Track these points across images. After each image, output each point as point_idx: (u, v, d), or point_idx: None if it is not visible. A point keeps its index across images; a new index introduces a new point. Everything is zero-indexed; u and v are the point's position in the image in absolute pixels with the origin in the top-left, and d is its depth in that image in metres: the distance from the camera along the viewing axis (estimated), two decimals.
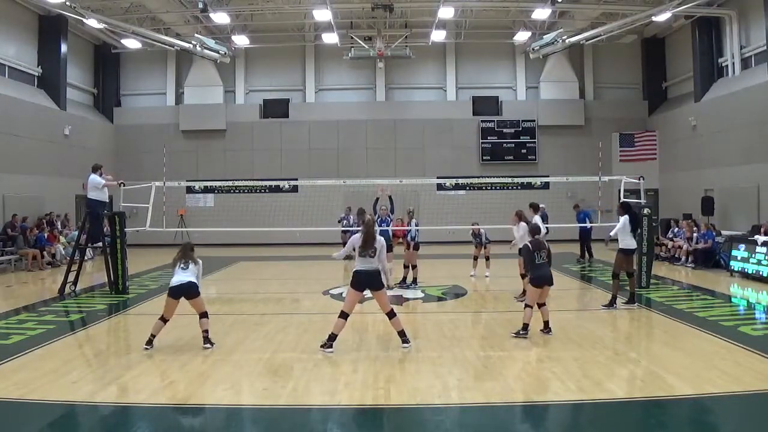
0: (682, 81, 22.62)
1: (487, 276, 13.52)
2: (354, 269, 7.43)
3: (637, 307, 9.98)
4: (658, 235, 16.71)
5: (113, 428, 5.27)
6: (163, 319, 7.49)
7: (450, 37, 23.48)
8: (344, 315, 7.36)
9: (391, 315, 7.46)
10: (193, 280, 7.50)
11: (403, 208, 13.55)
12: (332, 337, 7.35)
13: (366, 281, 7.37)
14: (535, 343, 7.74)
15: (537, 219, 11.94)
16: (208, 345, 7.48)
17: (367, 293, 7.67)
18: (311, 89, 25.02)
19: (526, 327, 7.91)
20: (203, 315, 7.58)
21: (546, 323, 8.15)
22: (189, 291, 7.45)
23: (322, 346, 7.33)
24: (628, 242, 10.10)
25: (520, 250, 10.83)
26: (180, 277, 7.50)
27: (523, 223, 11.40)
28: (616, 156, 23.95)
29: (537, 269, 8.07)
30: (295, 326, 8.91)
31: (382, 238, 7.63)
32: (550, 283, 8.21)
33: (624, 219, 10.12)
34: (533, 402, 5.57)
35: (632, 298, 10.15)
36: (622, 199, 11.05)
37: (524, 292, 11.34)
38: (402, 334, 7.48)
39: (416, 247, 12.62)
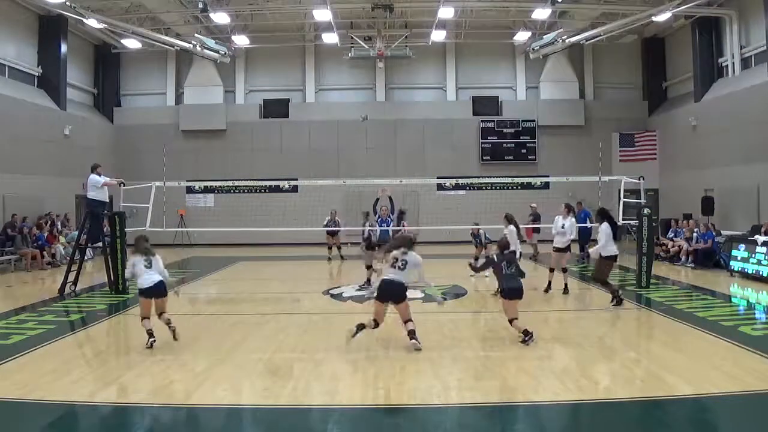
0: (682, 81, 22.60)
1: (487, 276, 13.50)
2: (381, 278, 7.48)
3: (614, 307, 9.81)
4: (658, 235, 16.70)
5: (113, 428, 5.28)
6: (145, 317, 7.61)
7: (450, 37, 23.47)
8: (376, 324, 7.41)
9: (406, 321, 7.44)
10: (161, 279, 7.69)
11: (409, 209, 13.54)
12: (361, 327, 7.34)
13: (389, 293, 7.38)
14: (536, 343, 7.73)
15: (571, 220, 11.62)
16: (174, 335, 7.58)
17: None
18: (311, 89, 25.01)
19: (526, 332, 7.52)
20: (163, 313, 7.69)
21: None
22: (159, 291, 7.64)
23: (352, 336, 7.30)
24: (610, 249, 9.88)
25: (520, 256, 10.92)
26: (149, 277, 7.64)
27: (571, 218, 11.50)
28: (616, 156, 23.93)
29: (508, 281, 7.76)
30: (295, 326, 8.91)
31: (419, 257, 7.57)
32: (521, 296, 7.85)
33: (606, 227, 9.86)
34: (533, 402, 5.57)
35: (616, 297, 9.98)
36: (599, 206, 10.66)
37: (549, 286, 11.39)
38: (411, 334, 7.41)
39: (372, 248, 12.41)
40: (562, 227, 11.55)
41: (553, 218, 12.15)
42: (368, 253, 12.45)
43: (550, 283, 11.44)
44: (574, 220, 11.75)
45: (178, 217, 22.67)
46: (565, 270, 11.58)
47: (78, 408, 5.51)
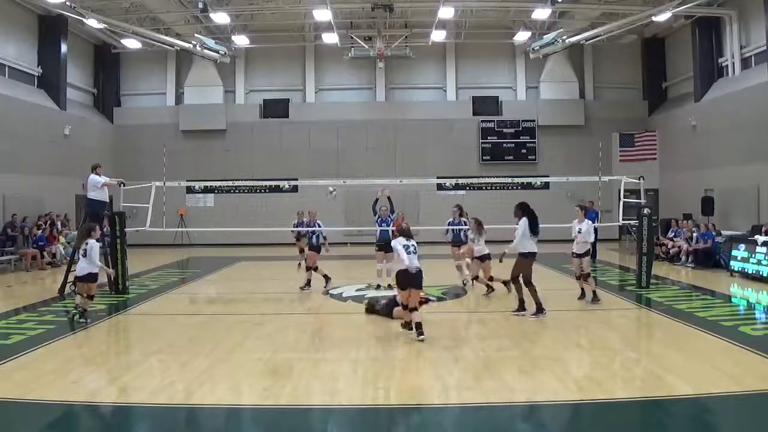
0: (682, 81, 22.60)
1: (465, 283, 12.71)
2: (398, 269, 7.92)
3: (523, 315, 9.30)
4: (658, 235, 16.71)
5: (113, 428, 5.28)
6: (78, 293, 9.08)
7: (450, 37, 23.45)
8: (407, 307, 7.88)
9: (413, 309, 7.86)
10: (92, 270, 8.97)
11: (405, 209, 13.46)
12: (418, 326, 7.68)
13: (412, 280, 7.85)
14: (535, 343, 7.75)
15: (587, 224, 10.80)
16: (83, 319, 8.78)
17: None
18: (311, 89, 25.02)
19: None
20: (91, 297, 9.07)
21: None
22: (88, 279, 8.96)
23: (418, 337, 7.60)
24: (527, 245, 9.34)
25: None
26: (81, 266, 8.97)
27: (587, 221, 10.70)
28: (616, 156, 23.94)
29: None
30: (295, 326, 8.91)
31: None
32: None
33: (524, 222, 9.36)
34: (533, 402, 5.57)
35: (522, 306, 9.45)
36: (520, 201, 10.02)
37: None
38: (415, 326, 7.73)
39: (315, 249, 12.34)
40: (579, 232, 10.78)
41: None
42: (311, 253, 12.40)
43: (583, 290, 10.76)
44: (590, 222, 11.00)
45: (178, 217, 22.68)
46: (588, 275, 10.81)
47: (78, 408, 5.50)
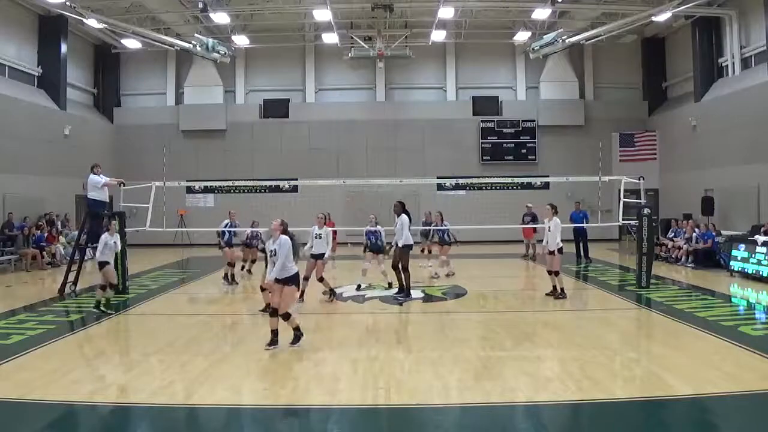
0: (682, 81, 22.60)
1: (436, 276, 13.73)
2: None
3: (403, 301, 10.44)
4: (658, 235, 16.71)
5: (113, 428, 5.28)
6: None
7: (450, 37, 23.46)
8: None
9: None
10: (100, 259, 10.26)
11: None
12: (274, 333, 7.63)
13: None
14: (536, 343, 7.74)
15: (555, 221, 11.01)
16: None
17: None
18: (311, 89, 25.02)
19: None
20: (102, 288, 10.13)
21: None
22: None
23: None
24: (410, 238, 10.88)
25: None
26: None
27: (556, 219, 11.01)
28: (616, 156, 23.92)
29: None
30: None
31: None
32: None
33: (404, 218, 10.80)
34: (533, 402, 5.57)
35: (402, 290, 10.91)
36: (399, 199, 11.63)
37: (554, 288, 11.00)
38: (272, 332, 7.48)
39: (223, 246, 13.15)
40: (549, 230, 11.06)
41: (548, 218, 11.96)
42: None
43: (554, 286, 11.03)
44: (558, 220, 11.06)
45: (178, 217, 22.67)
46: (558, 272, 10.99)
47: (78, 408, 5.51)
